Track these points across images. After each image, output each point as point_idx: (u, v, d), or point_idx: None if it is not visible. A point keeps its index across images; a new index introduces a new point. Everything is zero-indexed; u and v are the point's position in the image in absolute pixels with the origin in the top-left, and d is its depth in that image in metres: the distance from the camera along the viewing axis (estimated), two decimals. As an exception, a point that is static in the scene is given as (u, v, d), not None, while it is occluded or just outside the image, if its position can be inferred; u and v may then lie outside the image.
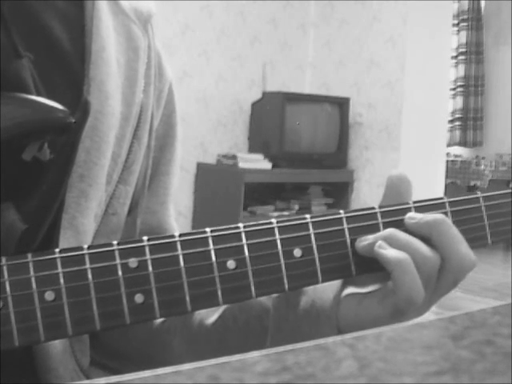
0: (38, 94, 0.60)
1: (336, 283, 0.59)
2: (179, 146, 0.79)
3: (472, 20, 6.95)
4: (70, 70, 0.66)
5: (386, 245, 0.55)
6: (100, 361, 0.76)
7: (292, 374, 0.30)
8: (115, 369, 0.76)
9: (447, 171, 5.36)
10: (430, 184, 4.65)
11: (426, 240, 0.56)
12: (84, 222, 0.64)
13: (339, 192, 4.98)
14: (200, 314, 0.69)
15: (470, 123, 7.02)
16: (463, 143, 7.05)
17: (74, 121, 0.57)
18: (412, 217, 0.57)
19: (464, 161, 6.67)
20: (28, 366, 0.63)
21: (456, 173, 6.48)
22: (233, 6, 4.85)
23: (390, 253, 0.54)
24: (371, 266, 0.56)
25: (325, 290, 0.60)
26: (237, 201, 4.46)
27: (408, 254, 0.55)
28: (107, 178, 0.67)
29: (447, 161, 5.54)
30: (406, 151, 4.75)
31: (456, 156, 6.87)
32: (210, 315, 0.67)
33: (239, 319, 0.64)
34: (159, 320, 0.72)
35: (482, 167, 6.46)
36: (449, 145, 6.24)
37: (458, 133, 7.05)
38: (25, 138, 0.57)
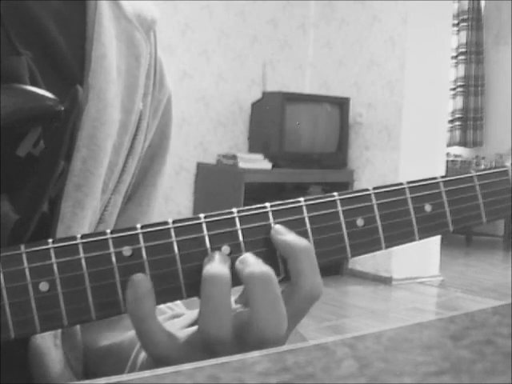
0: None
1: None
2: (168, 159, 0.78)
3: (472, 20, 6.95)
4: (67, 75, 0.65)
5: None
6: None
7: (292, 374, 0.30)
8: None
9: (447, 171, 5.36)
10: (430, 184, 4.65)
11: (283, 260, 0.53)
12: (79, 231, 0.63)
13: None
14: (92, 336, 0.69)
15: (470, 123, 7.03)
16: (463, 143, 7.06)
17: (62, 108, 0.57)
18: (279, 231, 0.53)
19: (464, 161, 6.68)
20: (26, 379, 0.63)
21: (456, 173, 6.47)
22: (233, 6, 4.85)
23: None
24: (366, 248, 0.56)
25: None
26: (237, 201, 4.46)
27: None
28: (103, 187, 0.66)
29: (447, 161, 5.54)
30: (406, 151, 4.75)
31: (456, 156, 6.87)
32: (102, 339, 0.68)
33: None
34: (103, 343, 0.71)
35: (482, 167, 6.46)
36: (449, 145, 6.25)
37: (458, 133, 7.05)
38: (15, 127, 0.56)
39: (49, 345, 0.62)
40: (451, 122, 6.88)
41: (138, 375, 0.29)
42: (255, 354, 0.32)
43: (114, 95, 0.66)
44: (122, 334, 0.67)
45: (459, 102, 7.05)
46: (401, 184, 0.58)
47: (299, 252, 0.52)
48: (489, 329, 0.37)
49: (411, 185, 0.59)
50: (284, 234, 0.53)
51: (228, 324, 0.49)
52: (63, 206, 0.62)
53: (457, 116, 7.07)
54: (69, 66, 0.66)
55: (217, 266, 0.50)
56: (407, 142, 4.76)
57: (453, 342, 0.34)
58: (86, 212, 0.64)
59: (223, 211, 0.53)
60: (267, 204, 0.55)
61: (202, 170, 4.76)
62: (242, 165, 4.55)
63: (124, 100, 0.68)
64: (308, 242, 0.53)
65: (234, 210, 0.54)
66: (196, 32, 4.70)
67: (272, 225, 0.54)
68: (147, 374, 0.29)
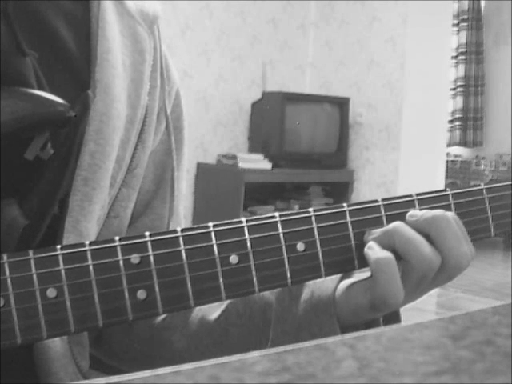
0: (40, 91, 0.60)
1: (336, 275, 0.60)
2: (187, 150, 0.78)
3: (472, 20, 6.94)
4: (74, 71, 0.66)
5: (375, 245, 0.55)
6: (104, 360, 0.76)
7: (292, 374, 0.30)
8: (116, 369, 0.76)
9: (447, 171, 5.36)
10: (430, 184, 4.65)
11: (427, 237, 0.55)
12: (87, 226, 0.64)
13: (339, 192, 4.98)
14: (201, 310, 0.69)
15: (470, 123, 7.02)
16: (463, 143, 7.05)
17: (74, 114, 0.57)
18: (412, 215, 0.57)
19: (464, 161, 6.67)
20: (29, 370, 0.63)
21: (456, 173, 6.48)
22: (233, 6, 4.85)
23: (371, 252, 0.55)
24: None
25: (324, 281, 0.60)
26: (237, 201, 4.46)
27: (402, 253, 0.55)
28: (111, 180, 0.67)
29: (447, 161, 5.53)
30: (406, 151, 4.75)
31: (456, 156, 6.87)
32: (213, 311, 0.67)
33: (243, 314, 0.64)
34: (160, 317, 0.72)
35: (482, 167, 6.46)
36: (449, 145, 6.24)
37: (458, 133, 7.05)
38: (25, 132, 0.56)
39: (54, 338, 0.63)
40: (451, 122, 6.88)
41: (138, 375, 0.29)
42: (255, 353, 0.32)
43: (120, 90, 0.67)
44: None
45: (459, 101, 7.05)
46: (410, 196, 0.59)
47: (440, 222, 0.55)
48: (489, 329, 0.37)
49: (420, 197, 0.59)
50: (418, 215, 0.56)
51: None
52: (71, 200, 0.63)
53: (457, 116, 7.06)
54: (77, 63, 0.66)
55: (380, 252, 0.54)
56: (407, 142, 4.75)
57: (453, 342, 0.34)
58: (94, 206, 0.64)
59: (232, 220, 0.53)
60: (276, 214, 0.55)
61: (202, 170, 4.75)
62: (242, 165, 4.55)
63: (130, 95, 0.68)
64: (443, 213, 0.56)
65: (243, 219, 0.54)
66: (196, 32, 4.70)
67: (280, 235, 0.54)
68: (147, 373, 0.29)
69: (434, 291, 4.66)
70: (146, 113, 0.70)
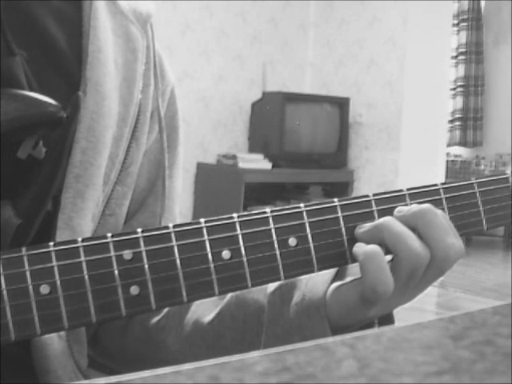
0: (31, 91, 0.60)
1: (327, 276, 0.60)
2: (182, 149, 0.79)
3: (472, 20, 6.94)
4: (65, 69, 0.66)
5: (362, 244, 0.55)
6: (99, 361, 0.76)
7: (292, 374, 0.30)
8: (113, 369, 0.76)
9: (447, 171, 5.36)
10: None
11: (415, 231, 0.56)
12: (81, 223, 0.64)
13: (339, 192, 4.98)
14: (196, 313, 0.69)
15: (470, 123, 7.02)
16: (463, 143, 7.05)
17: (65, 115, 0.57)
18: (400, 210, 0.57)
19: (464, 161, 6.68)
20: (27, 369, 0.63)
21: (456, 173, 6.48)
22: (233, 6, 4.85)
23: (358, 249, 0.55)
24: None
25: (315, 284, 0.60)
26: (237, 201, 4.46)
27: (393, 246, 0.55)
28: (104, 178, 0.67)
29: (447, 161, 5.53)
30: (406, 151, 4.75)
31: (456, 156, 6.87)
32: (207, 314, 0.67)
33: (237, 318, 0.65)
34: (155, 319, 0.72)
35: (482, 167, 6.46)
36: (449, 145, 6.24)
37: (458, 133, 7.05)
38: (17, 133, 0.57)
39: (52, 335, 0.62)
40: (451, 122, 6.87)
41: (138, 375, 0.29)
42: (255, 353, 0.32)
43: (111, 87, 0.67)
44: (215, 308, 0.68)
45: (459, 102, 7.05)
46: (401, 190, 0.59)
47: (427, 215, 0.56)
48: (489, 329, 0.37)
49: (412, 191, 0.59)
50: (404, 209, 0.57)
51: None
52: (63, 197, 0.63)
53: (457, 116, 7.06)
54: (68, 62, 0.66)
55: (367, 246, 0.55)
56: (407, 142, 4.75)
57: (453, 342, 0.34)
58: (87, 203, 0.64)
59: (224, 216, 0.54)
60: (267, 209, 0.55)
61: (202, 169, 4.76)
62: (241, 165, 4.55)
63: (122, 93, 0.69)
64: (429, 206, 0.56)
65: (235, 215, 0.54)
66: (196, 32, 4.70)
67: (271, 231, 0.54)
68: (147, 373, 0.29)
69: (434, 291, 4.67)
70: (139, 110, 0.71)
